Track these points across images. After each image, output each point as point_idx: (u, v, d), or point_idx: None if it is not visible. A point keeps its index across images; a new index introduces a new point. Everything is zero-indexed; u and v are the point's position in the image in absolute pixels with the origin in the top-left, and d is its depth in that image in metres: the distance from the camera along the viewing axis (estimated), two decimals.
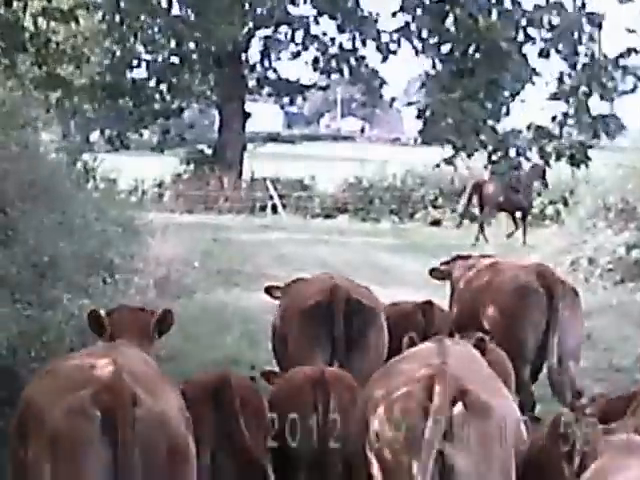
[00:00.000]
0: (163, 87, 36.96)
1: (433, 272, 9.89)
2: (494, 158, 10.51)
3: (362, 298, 7.56)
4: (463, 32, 9.77)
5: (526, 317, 8.54)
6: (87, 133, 42.16)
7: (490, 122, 10.19)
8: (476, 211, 31.08)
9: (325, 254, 21.56)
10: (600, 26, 10.03)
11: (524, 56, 10.00)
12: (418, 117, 10.55)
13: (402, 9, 10.49)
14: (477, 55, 9.86)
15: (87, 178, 30.44)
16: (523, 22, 10.01)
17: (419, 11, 10.31)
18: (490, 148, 10.42)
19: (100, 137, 40.45)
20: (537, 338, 8.50)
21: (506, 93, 10.04)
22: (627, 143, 22.30)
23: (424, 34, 10.35)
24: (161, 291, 14.94)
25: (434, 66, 10.41)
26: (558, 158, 10.16)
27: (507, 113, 10.45)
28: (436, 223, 31.75)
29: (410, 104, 11.46)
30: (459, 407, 4.79)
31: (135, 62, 36.37)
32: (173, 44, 34.93)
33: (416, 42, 10.56)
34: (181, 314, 12.33)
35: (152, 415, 4.63)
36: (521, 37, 9.92)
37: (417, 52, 10.66)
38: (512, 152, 10.39)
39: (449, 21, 9.94)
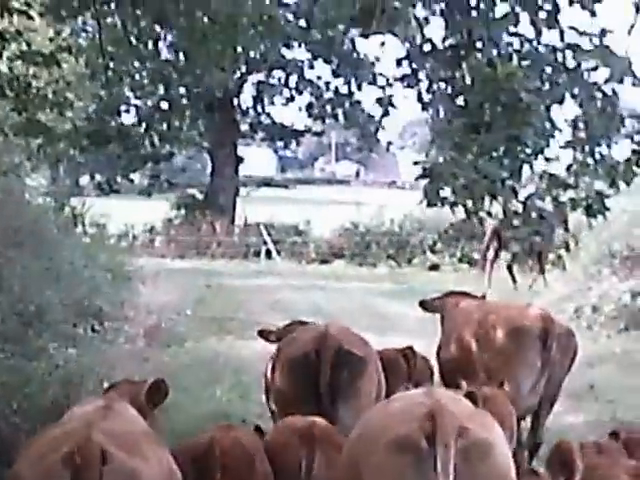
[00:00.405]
0: (152, 133, 36.69)
1: (423, 304, 9.89)
2: (515, 222, 9.75)
3: (353, 348, 7.35)
4: (480, 81, 8.85)
5: (522, 359, 8.51)
6: (76, 177, 42.09)
7: (509, 182, 9.20)
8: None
9: (321, 300, 21.18)
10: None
11: (548, 108, 9.03)
12: (424, 176, 9.53)
13: (408, 57, 9.49)
14: (495, 108, 8.92)
15: (75, 223, 30.16)
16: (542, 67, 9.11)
17: (429, 58, 9.38)
18: (509, 211, 9.53)
19: (90, 182, 40.31)
20: (533, 380, 8.49)
21: (528, 150, 9.05)
22: (632, 187, 21.96)
23: (434, 84, 9.42)
24: (151, 340, 14.59)
25: (447, 120, 9.36)
26: (574, 209, 9.21)
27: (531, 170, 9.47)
28: (435, 268, 31.32)
29: (416, 163, 10.41)
30: (461, 443, 4.72)
31: (123, 107, 36.05)
32: (162, 89, 34.62)
33: (424, 93, 9.52)
34: (171, 364, 12.05)
35: (122, 472, 4.65)
36: (545, 85, 9.00)
37: (424, 105, 9.59)
38: (534, 215, 9.46)
39: (464, 68, 9.06)
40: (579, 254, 20.98)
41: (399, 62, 9.60)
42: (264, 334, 8.71)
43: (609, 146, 9.19)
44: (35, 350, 13.21)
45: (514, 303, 10.03)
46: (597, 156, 9.18)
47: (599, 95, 8.86)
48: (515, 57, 8.98)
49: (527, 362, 8.48)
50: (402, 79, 9.67)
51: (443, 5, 9.26)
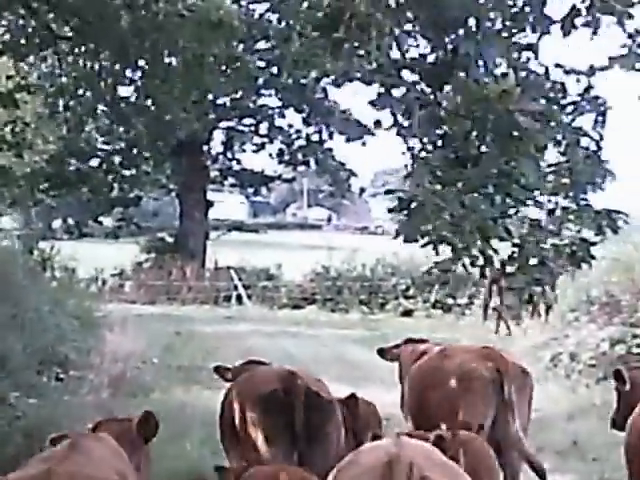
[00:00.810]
0: (117, 176, 36.29)
1: (381, 352, 9.83)
2: (509, 269, 8.91)
3: (320, 390, 7.22)
4: (466, 103, 7.59)
5: (473, 403, 8.28)
6: (49, 221, 41.54)
7: (502, 221, 8.12)
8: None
9: (292, 347, 20.72)
10: (604, 114, 8.22)
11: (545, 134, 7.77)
12: (401, 210, 8.59)
13: (381, 70, 8.36)
14: (485, 135, 7.65)
15: (44, 267, 29.61)
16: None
17: (407, 74, 8.17)
18: (503, 254, 8.51)
19: (61, 225, 39.81)
20: (487, 424, 8.12)
21: (522, 187, 7.88)
22: (609, 234, 21.68)
23: (413, 106, 8.06)
24: (116, 390, 14.05)
25: (427, 150, 8.21)
26: (558, 256, 8.38)
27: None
28: (408, 314, 30.96)
29: (389, 192, 9.14)
30: None
31: (88, 149, 35.53)
32: (125, 131, 34.11)
33: (400, 118, 8.23)
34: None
35: None
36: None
37: (403, 136, 8.33)
38: (533, 261, 8.38)
39: (448, 89, 7.86)
40: (556, 301, 20.70)
41: (373, 103, 8.84)
42: (220, 371, 8.55)
43: (594, 192, 8.54)
44: None
45: (472, 347, 9.55)
46: (582, 202, 8.48)
47: (584, 140, 8.14)
48: (511, 74, 7.85)
49: (478, 407, 8.23)
50: (376, 104, 8.66)
51: (423, 17, 8.24)
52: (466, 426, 7.21)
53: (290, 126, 37.73)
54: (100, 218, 38.59)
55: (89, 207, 36.45)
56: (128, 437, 5.85)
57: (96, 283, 32.86)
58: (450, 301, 31.24)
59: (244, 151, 38.93)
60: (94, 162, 36.48)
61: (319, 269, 34.40)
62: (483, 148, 7.93)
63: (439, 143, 8.23)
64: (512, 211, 8.44)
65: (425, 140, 8.37)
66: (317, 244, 40.89)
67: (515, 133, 7.59)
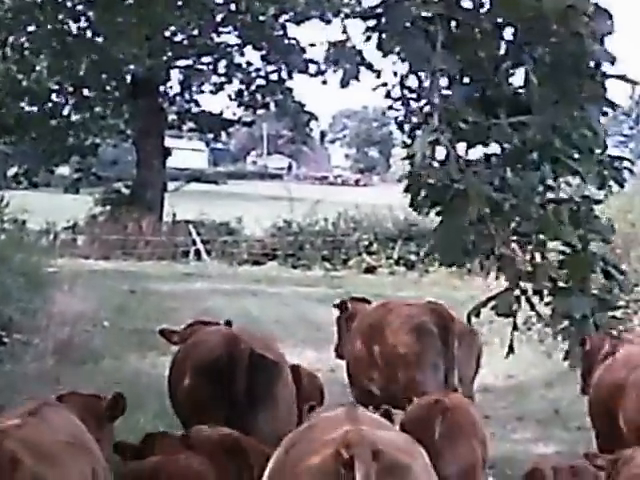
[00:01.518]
0: (65, 121, 34.54)
1: (339, 306, 9.79)
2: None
3: (266, 352, 7.03)
4: (508, 22, 5.14)
5: (423, 359, 8.30)
6: (4, 169, 39.63)
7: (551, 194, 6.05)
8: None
9: (254, 307, 19.60)
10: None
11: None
12: (406, 190, 6.70)
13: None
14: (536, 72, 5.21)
15: None
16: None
17: None
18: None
19: (14, 174, 37.93)
20: (437, 379, 8.24)
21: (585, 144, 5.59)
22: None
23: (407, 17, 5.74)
24: (63, 356, 12.86)
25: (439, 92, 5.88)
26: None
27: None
28: (371, 270, 29.90)
29: (413, 177, 6.75)
30: (378, 467, 4.61)
31: (35, 89, 33.35)
32: (70, 69, 32.31)
33: (385, 39, 6.03)
34: (85, 385, 10.30)
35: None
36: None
37: (384, 51, 6.23)
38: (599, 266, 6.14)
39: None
40: None
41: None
42: (166, 334, 8.32)
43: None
44: None
45: (413, 301, 9.70)
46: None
47: None
48: None
49: (428, 362, 8.28)
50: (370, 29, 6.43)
51: None
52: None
53: (249, 64, 36.49)
54: (58, 167, 36.86)
55: (44, 156, 34.71)
56: (95, 414, 5.75)
57: (47, 237, 31.23)
58: (413, 257, 30.20)
59: (202, 92, 37.34)
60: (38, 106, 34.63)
61: (280, 223, 33.25)
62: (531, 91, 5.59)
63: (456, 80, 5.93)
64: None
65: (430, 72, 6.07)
66: (278, 195, 39.75)
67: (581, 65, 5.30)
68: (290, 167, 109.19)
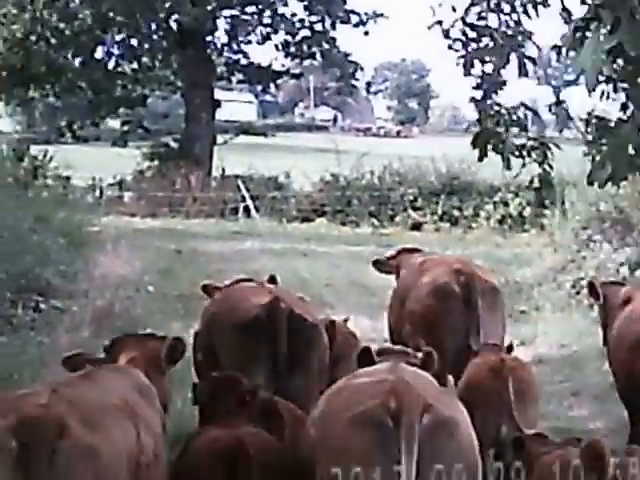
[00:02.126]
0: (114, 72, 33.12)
1: (376, 264, 9.64)
2: None
3: (304, 313, 6.94)
4: None
5: (444, 320, 8.16)
6: (54, 123, 38.46)
7: None
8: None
9: (304, 269, 18.34)
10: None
11: None
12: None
13: None
14: None
15: (36, 176, 27.12)
16: None
17: None
18: None
19: (61, 128, 36.62)
20: (457, 342, 8.02)
21: None
22: None
23: None
24: (100, 327, 11.63)
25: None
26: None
27: None
28: (417, 227, 28.84)
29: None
30: (426, 420, 4.56)
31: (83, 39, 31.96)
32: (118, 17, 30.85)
33: None
34: None
35: (79, 448, 4.22)
36: None
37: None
38: None
39: None
40: (566, 216, 18.31)
41: None
42: (209, 290, 8.03)
43: None
44: None
45: (447, 258, 9.46)
46: None
47: None
48: None
49: (449, 324, 8.12)
50: None
51: None
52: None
53: (293, 15, 35.27)
54: (105, 120, 35.49)
55: (90, 108, 33.39)
56: (153, 361, 5.60)
57: (93, 193, 30.05)
58: (456, 213, 29.41)
59: (249, 43, 35.97)
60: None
61: (328, 177, 32.06)
62: None
63: None
64: None
65: None
66: (325, 147, 38.38)
67: None
68: (335, 119, 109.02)
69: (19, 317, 12.21)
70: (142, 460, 4.62)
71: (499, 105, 7.57)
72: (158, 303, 13.57)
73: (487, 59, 6.61)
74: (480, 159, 6.61)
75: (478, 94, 7.98)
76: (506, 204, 28.64)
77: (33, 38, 29.33)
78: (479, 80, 6.47)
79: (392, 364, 5.21)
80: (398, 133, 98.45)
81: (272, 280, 8.05)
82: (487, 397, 6.69)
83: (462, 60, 7.43)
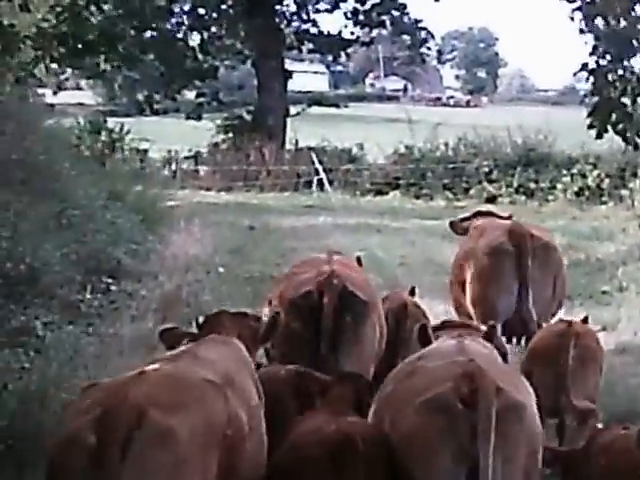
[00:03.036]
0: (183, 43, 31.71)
1: (452, 225, 9.77)
2: None
3: (357, 290, 6.64)
4: None
5: (497, 279, 8.19)
6: (133, 96, 37.66)
7: None
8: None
9: (377, 247, 17.29)
10: None
11: None
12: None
13: None
14: None
15: (114, 148, 26.47)
16: None
17: None
18: None
19: (140, 101, 35.77)
20: (510, 300, 8.11)
21: None
22: None
23: None
24: (167, 315, 10.77)
25: None
26: None
27: None
28: (492, 200, 27.43)
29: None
30: (497, 404, 4.38)
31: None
32: None
33: None
34: None
35: (154, 434, 3.99)
36: None
37: None
38: None
39: None
40: None
41: None
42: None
43: None
44: (19, 327, 9.81)
45: (499, 223, 9.08)
46: None
47: None
48: None
49: (501, 283, 8.14)
50: None
51: None
52: None
53: None
54: (179, 93, 34.36)
55: (163, 81, 32.40)
56: (249, 338, 5.40)
57: (169, 167, 29.25)
58: (532, 185, 27.79)
59: (318, 11, 34.44)
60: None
61: (402, 149, 30.73)
62: None
63: None
64: None
65: None
66: (396, 117, 37.36)
67: None
68: (406, 89, 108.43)
69: (87, 302, 11.46)
70: (233, 434, 4.36)
71: (627, 70, 6.50)
72: (228, 286, 12.69)
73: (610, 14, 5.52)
74: (599, 136, 5.62)
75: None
76: (584, 176, 27.14)
77: (82, 3, 28.01)
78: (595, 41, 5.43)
79: (458, 343, 5.09)
80: (468, 103, 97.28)
81: (358, 260, 7.94)
82: (547, 364, 6.62)
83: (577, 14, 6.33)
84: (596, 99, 7.00)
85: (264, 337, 5.55)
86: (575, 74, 15.92)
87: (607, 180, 26.56)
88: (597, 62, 6.80)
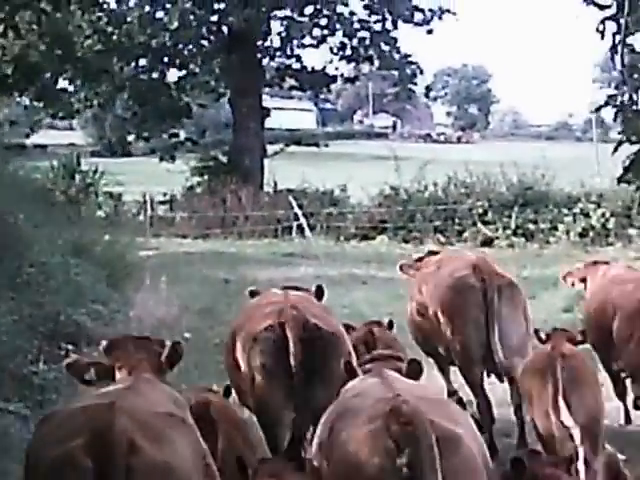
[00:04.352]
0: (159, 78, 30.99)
1: (402, 268, 9.85)
2: None
3: (320, 321, 6.59)
4: None
5: (464, 314, 8.28)
6: (123, 134, 36.90)
7: None
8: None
9: (363, 303, 16.40)
10: None
11: None
12: None
13: None
14: None
15: (87, 193, 25.79)
16: None
17: None
18: None
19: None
20: (480, 336, 8.19)
21: None
22: None
23: None
24: None
25: None
26: None
27: None
28: (488, 243, 26.44)
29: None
30: (429, 440, 4.45)
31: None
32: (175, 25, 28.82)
33: None
34: None
35: (151, 465, 4.21)
36: None
37: None
38: None
39: None
40: None
41: None
42: (254, 294, 7.69)
43: None
44: None
45: (465, 255, 9.39)
46: None
47: None
48: None
49: (469, 317, 8.23)
50: None
51: None
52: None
53: (352, 14, 33.08)
54: (153, 133, 33.41)
55: (137, 120, 31.58)
56: (154, 363, 5.27)
57: (144, 212, 28.32)
58: (531, 227, 26.80)
59: (303, 46, 33.47)
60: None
61: (387, 190, 29.75)
62: None
63: None
64: None
65: None
66: (385, 154, 36.42)
67: None
68: (395, 125, 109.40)
69: (41, 374, 10.53)
70: (209, 463, 4.62)
71: None
72: (194, 357, 11.50)
73: None
74: None
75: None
76: (587, 215, 26.23)
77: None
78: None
79: (384, 377, 5.16)
80: (459, 139, 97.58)
81: (319, 291, 7.74)
82: (538, 386, 6.75)
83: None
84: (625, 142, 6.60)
85: (167, 363, 5.46)
86: (598, 110, 15.06)
87: (612, 219, 25.64)
88: (630, 96, 6.32)
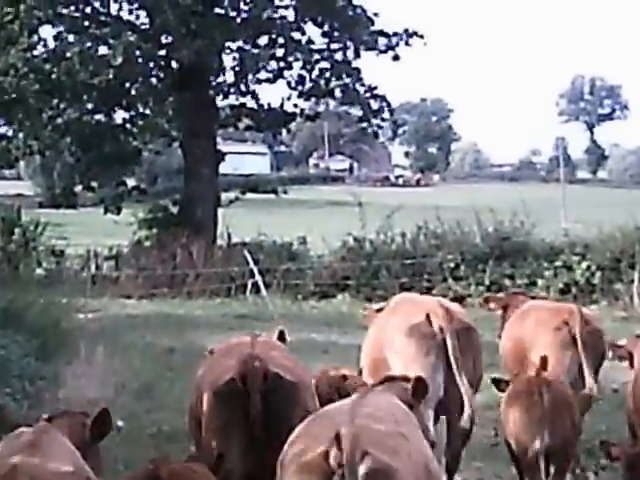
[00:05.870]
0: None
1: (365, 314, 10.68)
2: None
3: (282, 371, 6.67)
4: None
5: (420, 360, 8.47)
6: (71, 184, 35.47)
7: None
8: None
9: None
10: None
11: None
12: None
13: None
14: None
15: (27, 248, 24.64)
16: None
17: None
18: None
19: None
20: (437, 380, 8.36)
21: None
22: None
23: None
24: None
25: None
26: None
27: None
28: (460, 300, 25.15)
29: None
30: (363, 468, 4.69)
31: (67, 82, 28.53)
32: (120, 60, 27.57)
33: None
34: None
35: None
36: None
37: None
38: None
39: None
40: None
41: None
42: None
43: None
44: None
45: (422, 300, 9.62)
46: None
47: None
48: None
49: (427, 362, 8.42)
50: None
51: None
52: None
53: (310, 42, 31.49)
54: (96, 181, 31.99)
55: (80, 167, 30.23)
56: (79, 434, 5.62)
57: (88, 269, 26.95)
58: (508, 282, 25.44)
59: (259, 81, 31.80)
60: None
61: (351, 242, 28.36)
62: None
63: None
64: None
65: None
66: (341, 200, 36.32)
67: None
68: (351, 168, 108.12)
69: None
70: None
71: None
72: (123, 450, 10.24)
73: None
74: None
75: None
76: (570, 269, 25.02)
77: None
78: None
79: (353, 403, 5.28)
80: (418, 182, 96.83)
81: (281, 335, 8.07)
82: (521, 407, 7.48)
83: None
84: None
85: (95, 435, 5.68)
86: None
87: (598, 273, 24.50)
88: None
